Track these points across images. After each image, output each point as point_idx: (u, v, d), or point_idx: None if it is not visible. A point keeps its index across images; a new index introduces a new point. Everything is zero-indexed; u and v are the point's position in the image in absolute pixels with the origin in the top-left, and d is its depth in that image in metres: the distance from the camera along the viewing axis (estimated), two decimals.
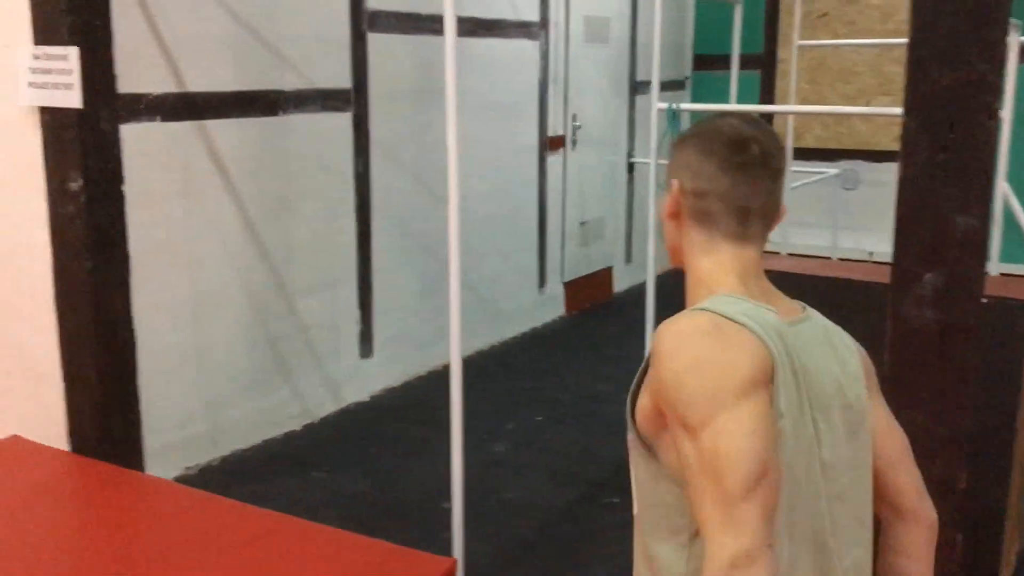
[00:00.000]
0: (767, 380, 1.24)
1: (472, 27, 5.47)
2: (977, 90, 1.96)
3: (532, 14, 5.95)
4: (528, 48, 5.95)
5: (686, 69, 7.85)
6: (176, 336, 3.97)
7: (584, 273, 6.88)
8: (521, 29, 5.89)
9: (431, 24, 5.18)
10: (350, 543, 2.78)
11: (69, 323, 3.70)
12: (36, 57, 3.49)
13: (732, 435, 1.18)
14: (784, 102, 7.48)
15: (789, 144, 6.35)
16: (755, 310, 1.31)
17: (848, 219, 7.16)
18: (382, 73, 4.85)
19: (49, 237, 3.65)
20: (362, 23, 4.72)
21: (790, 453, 1.28)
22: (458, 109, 5.23)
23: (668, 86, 7.78)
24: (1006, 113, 3.67)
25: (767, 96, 7.58)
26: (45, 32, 3.48)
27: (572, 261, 6.71)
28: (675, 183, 1.42)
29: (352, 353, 4.94)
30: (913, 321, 2.14)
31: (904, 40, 2.07)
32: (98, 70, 3.50)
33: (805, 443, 1.31)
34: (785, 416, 1.27)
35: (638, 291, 7.46)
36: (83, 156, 3.52)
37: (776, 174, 1.39)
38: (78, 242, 3.60)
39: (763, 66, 7.56)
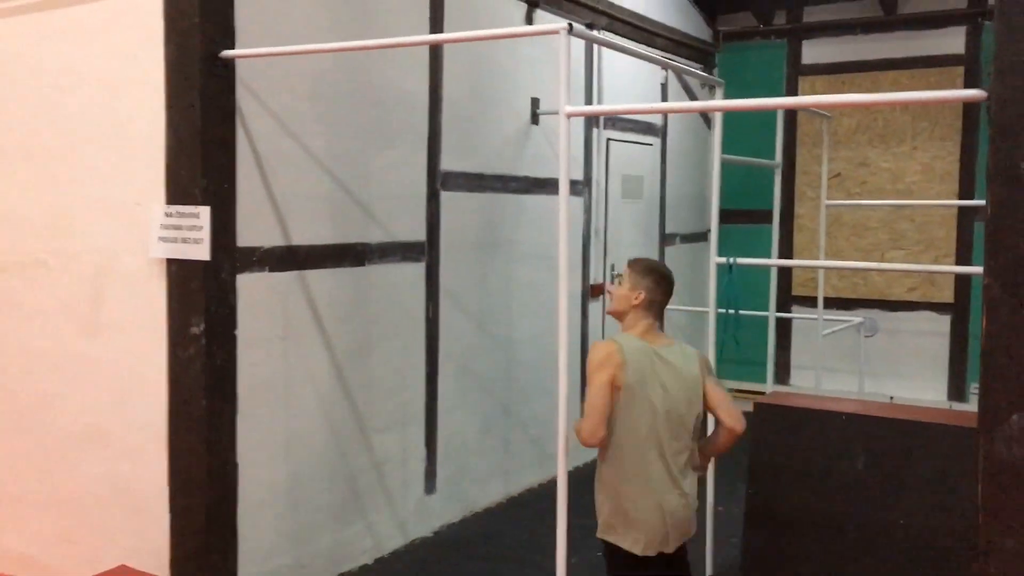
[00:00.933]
0: (613, 365, 3.07)
1: (528, 185, 5.95)
2: None
3: (577, 173, 6.45)
4: (574, 204, 6.42)
5: (710, 223, 8.34)
6: (270, 471, 4.20)
7: None
8: (570, 187, 6.36)
9: (493, 183, 5.66)
10: None
11: (180, 459, 3.96)
12: (168, 215, 3.88)
13: (591, 386, 3.10)
14: (803, 254, 7.98)
15: (820, 293, 6.77)
16: (633, 340, 3.16)
17: (869, 366, 7.49)
18: (451, 226, 5.27)
19: (166, 379, 3.95)
20: (436, 182, 5.17)
21: (639, 399, 3.09)
22: (513, 258, 5.66)
23: (692, 238, 8.29)
24: None
25: (786, 248, 8.05)
26: (178, 193, 3.87)
27: None
28: (642, 293, 3.19)
29: (418, 489, 5.15)
30: (1002, 456, 2.43)
31: (916, 201, 2.46)
32: (223, 227, 3.90)
33: (652, 394, 3.10)
34: (632, 382, 3.07)
35: None
36: (206, 303, 3.87)
37: (671, 289, 3.26)
38: (196, 383, 3.90)
39: (783, 221, 8.06)
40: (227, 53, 3.83)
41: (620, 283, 3.25)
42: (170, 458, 3.96)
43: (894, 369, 7.82)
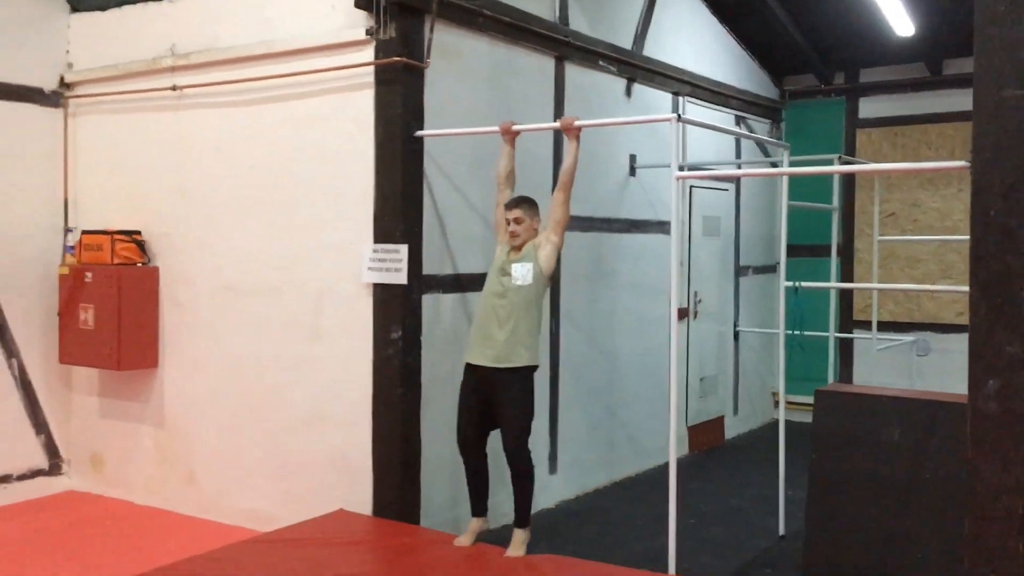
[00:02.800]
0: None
1: (626, 226, 7.26)
2: (1015, 273, 3.54)
3: (666, 215, 7.73)
4: (664, 241, 7.70)
5: (778, 256, 9.54)
6: (442, 446, 5.52)
7: (703, 420, 8.36)
8: (659, 226, 7.66)
9: (599, 224, 6.97)
10: (593, 569, 4.25)
11: (382, 433, 5.33)
12: (375, 251, 5.27)
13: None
14: (861, 282, 9.10)
15: (874, 318, 7.90)
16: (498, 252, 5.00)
17: (923, 382, 8.56)
18: (569, 259, 6.58)
19: (371, 372, 5.31)
20: None
21: (487, 285, 4.92)
22: (615, 286, 6.93)
23: (763, 270, 9.49)
24: None
25: (847, 277, 9.19)
26: (383, 235, 5.27)
27: (694, 409, 8.21)
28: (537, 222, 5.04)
29: (543, 469, 6.43)
30: (982, 408, 3.63)
31: (960, 237, 3.67)
32: (413, 259, 5.27)
33: (491, 282, 4.84)
34: (491, 273, 4.89)
35: (745, 438, 8.91)
36: (402, 315, 5.24)
37: None
38: (393, 376, 5.26)
39: (843, 254, 9.22)
40: (419, 133, 5.25)
41: (520, 221, 4.83)
42: (374, 432, 5.32)
43: (945, 385, 8.84)
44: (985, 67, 3.60)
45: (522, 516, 4.91)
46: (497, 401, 4.80)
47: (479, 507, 5.05)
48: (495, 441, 4.95)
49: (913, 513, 4.65)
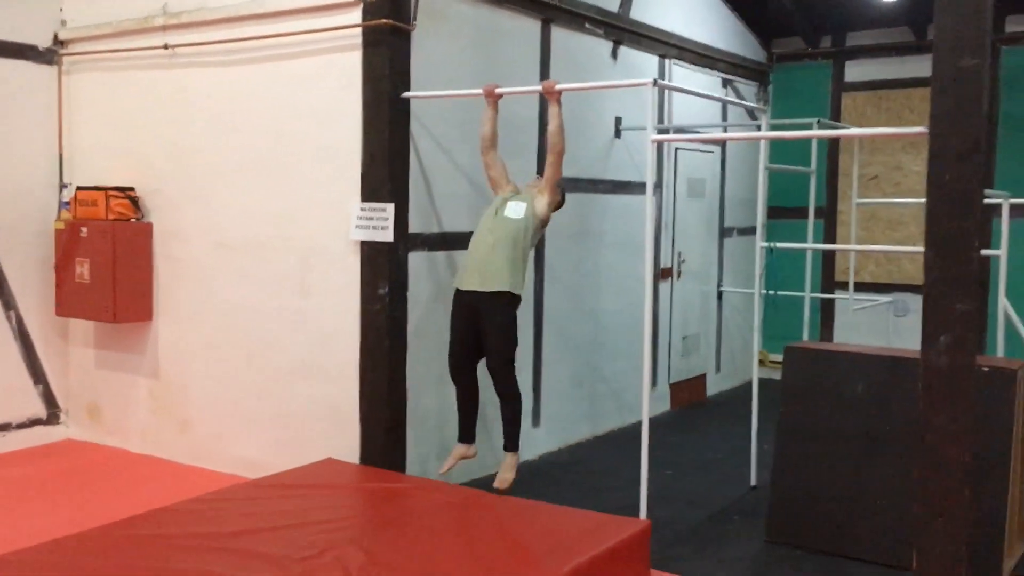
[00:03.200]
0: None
1: (611, 187, 7.42)
2: (967, 235, 3.71)
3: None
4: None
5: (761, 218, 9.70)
6: (426, 398, 5.73)
7: (685, 377, 8.58)
8: (643, 188, 7.78)
9: (585, 185, 7.12)
10: (568, 514, 4.48)
11: (369, 384, 5.53)
12: (363, 210, 5.43)
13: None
14: (844, 244, 9.28)
15: (850, 279, 8.09)
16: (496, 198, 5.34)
17: (900, 341, 8.77)
18: (554, 219, 6.69)
19: (359, 326, 5.50)
20: None
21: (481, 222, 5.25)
22: (600, 246, 7.10)
23: (748, 231, 9.65)
24: (1003, 244, 5.48)
25: (830, 239, 9.37)
26: (370, 193, 5.42)
27: (676, 367, 8.43)
28: None
29: (527, 422, 6.64)
30: (934, 362, 3.82)
31: None
32: (400, 218, 5.43)
33: (485, 218, 5.19)
34: (486, 213, 5.21)
35: (727, 395, 9.15)
36: (389, 272, 5.42)
37: None
38: (382, 329, 5.45)
39: (826, 216, 9.39)
40: (406, 94, 5.38)
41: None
42: (361, 384, 5.52)
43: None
44: (943, 37, 3.75)
45: (511, 440, 5.27)
46: (483, 327, 5.11)
47: (466, 433, 5.38)
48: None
49: (875, 463, 4.87)
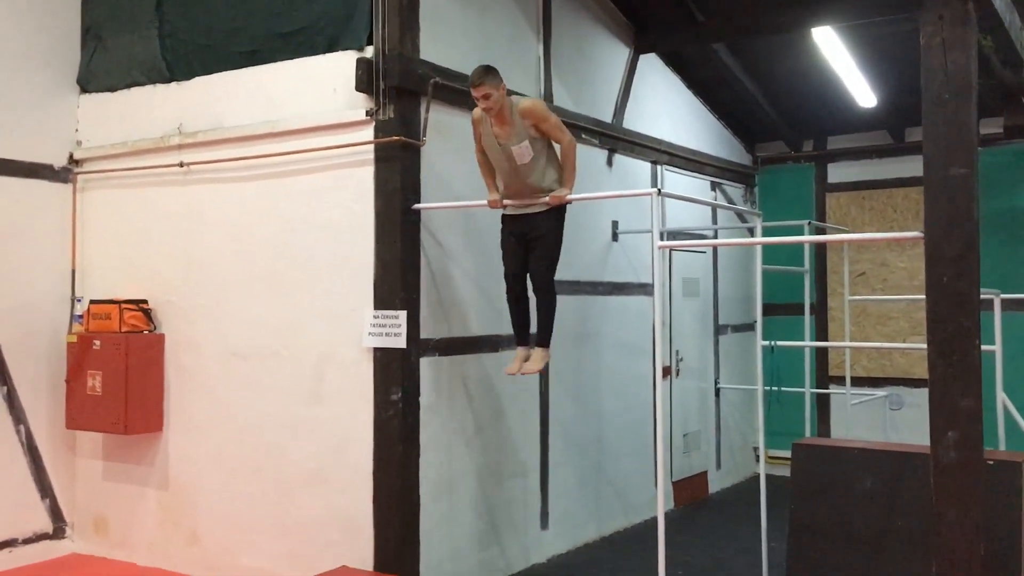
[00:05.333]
0: None
1: (610, 289, 7.61)
2: (968, 333, 3.89)
3: (647, 277, 8.09)
4: (646, 302, 8.05)
5: (755, 315, 9.92)
6: (439, 503, 5.77)
7: (687, 475, 8.63)
8: (640, 288, 8.02)
9: (585, 287, 7.31)
10: None
11: (382, 491, 5.56)
12: (376, 317, 5.57)
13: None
14: (835, 340, 9.47)
15: (847, 374, 8.24)
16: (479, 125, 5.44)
17: (896, 434, 8.88)
18: (557, 321, 6.86)
19: (372, 432, 5.57)
20: None
21: (494, 157, 5.43)
22: (600, 347, 7.23)
23: (741, 328, 9.85)
24: (997, 339, 5.65)
25: (822, 335, 9.57)
26: (383, 301, 5.57)
27: (678, 465, 8.48)
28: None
29: (536, 524, 6.67)
30: (943, 459, 3.94)
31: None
32: (412, 324, 5.57)
33: (497, 157, 5.34)
34: (489, 148, 5.41)
35: (728, 492, 9.17)
36: (402, 378, 5.53)
37: None
38: (394, 434, 5.53)
39: (818, 313, 9.61)
40: (417, 206, 5.59)
41: (488, 96, 5.09)
42: (375, 491, 5.56)
43: (919, 437, 9.14)
44: (933, 148, 3.98)
45: (544, 336, 5.57)
46: (530, 240, 5.45)
47: (523, 337, 5.67)
48: None
49: (887, 558, 4.93)
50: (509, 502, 6.41)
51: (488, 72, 5.11)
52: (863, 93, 8.44)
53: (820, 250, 9.68)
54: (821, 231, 8.65)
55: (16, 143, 6.61)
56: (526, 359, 5.63)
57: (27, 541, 6.54)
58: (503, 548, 6.34)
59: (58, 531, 6.76)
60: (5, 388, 6.46)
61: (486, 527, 6.20)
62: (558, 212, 5.42)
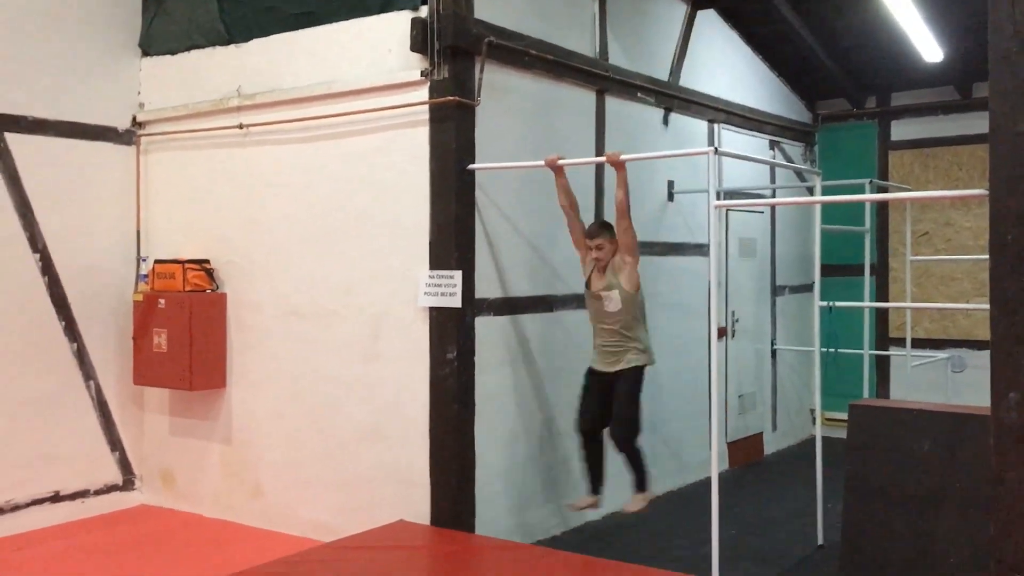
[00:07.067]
0: None
1: (665, 249, 7.57)
2: None
3: (703, 237, 8.02)
4: (701, 263, 7.99)
5: (813, 275, 9.78)
6: (495, 460, 5.85)
7: (742, 436, 8.60)
8: (696, 249, 7.96)
9: (641, 247, 7.20)
10: (641, 572, 4.55)
11: (437, 448, 5.66)
12: (431, 277, 5.63)
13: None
14: (896, 301, 9.31)
15: (907, 336, 8.10)
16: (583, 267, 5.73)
17: (958, 397, 8.73)
18: None
19: (428, 390, 5.66)
20: None
21: (589, 308, 5.68)
22: (654, 307, 7.22)
23: (799, 289, 9.73)
24: None
25: (883, 296, 9.41)
26: (438, 261, 5.62)
27: (733, 426, 8.46)
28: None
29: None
30: (1004, 420, 3.89)
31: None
32: (467, 284, 5.62)
33: (591, 307, 5.59)
34: (587, 297, 5.64)
35: (784, 454, 9.13)
36: (457, 337, 5.59)
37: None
38: (449, 393, 5.60)
39: (878, 273, 9.44)
40: (471, 167, 5.61)
41: (601, 247, 5.45)
42: (431, 447, 5.66)
43: (981, 400, 8.98)
44: (999, 103, 3.86)
45: (638, 483, 5.73)
46: (613, 396, 5.56)
47: (595, 487, 5.82)
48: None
49: (944, 520, 4.88)
50: (564, 460, 6.47)
51: (605, 228, 5.55)
52: (929, 47, 8.19)
53: (882, 209, 9.49)
54: (883, 190, 8.46)
55: (82, 106, 6.77)
56: (587, 504, 5.82)
57: (98, 492, 6.81)
58: (558, 505, 6.41)
59: (127, 483, 7.02)
60: (75, 345, 6.69)
61: (541, 484, 6.27)
62: (637, 373, 5.56)
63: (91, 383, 6.78)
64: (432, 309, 5.65)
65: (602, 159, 5.34)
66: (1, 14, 6.31)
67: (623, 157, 5.23)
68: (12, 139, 6.35)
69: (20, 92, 6.39)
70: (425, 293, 5.66)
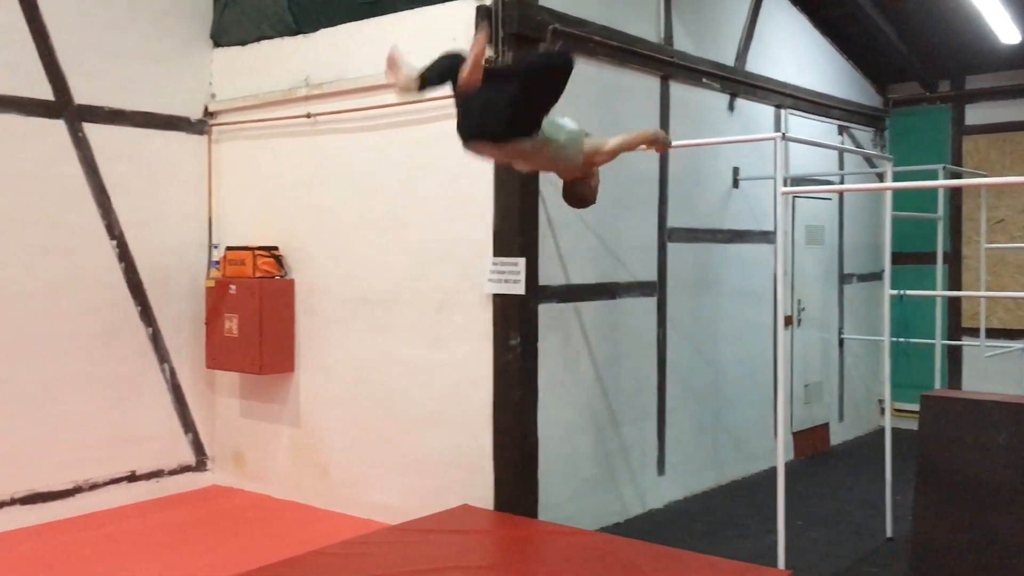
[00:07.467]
0: None
1: (730, 236, 7.49)
2: None
3: (769, 225, 7.92)
4: (767, 250, 7.89)
5: (882, 264, 9.58)
6: (556, 446, 5.88)
7: (808, 426, 8.49)
8: (762, 236, 7.86)
9: (704, 235, 7.22)
10: (706, 562, 4.52)
11: (501, 433, 5.70)
12: (495, 264, 5.66)
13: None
14: (969, 290, 9.07)
15: (982, 326, 7.90)
16: None
17: None
18: (675, 269, 6.87)
19: (492, 375, 5.70)
20: (664, 236, 6.80)
21: None
22: (720, 294, 7.17)
23: (868, 277, 9.54)
24: None
25: (955, 285, 9.17)
26: (502, 249, 5.65)
27: (799, 416, 8.36)
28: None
29: (652, 470, 6.71)
30: None
31: None
32: (530, 271, 5.63)
33: None
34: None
35: (851, 445, 8.99)
36: (520, 323, 5.62)
37: None
38: (513, 378, 5.64)
39: (951, 261, 9.21)
40: None
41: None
42: (494, 432, 5.71)
43: None
44: None
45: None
46: None
47: None
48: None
49: (1018, 515, 4.77)
50: (626, 447, 6.47)
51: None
52: (1006, 28, 7.94)
53: (955, 196, 9.23)
54: (957, 176, 8.25)
55: (157, 97, 6.95)
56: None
57: (172, 472, 7.01)
58: (620, 492, 6.42)
59: (200, 464, 7.22)
60: (150, 329, 6.89)
61: (603, 471, 6.28)
62: None
63: (165, 366, 6.98)
64: (496, 296, 5.69)
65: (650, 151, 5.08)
66: (80, 6, 6.50)
67: (685, 142, 5.16)
68: (90, 129, 6.56)
69: (98, 83, 6.59)
70: (489, 280, 5.70)
